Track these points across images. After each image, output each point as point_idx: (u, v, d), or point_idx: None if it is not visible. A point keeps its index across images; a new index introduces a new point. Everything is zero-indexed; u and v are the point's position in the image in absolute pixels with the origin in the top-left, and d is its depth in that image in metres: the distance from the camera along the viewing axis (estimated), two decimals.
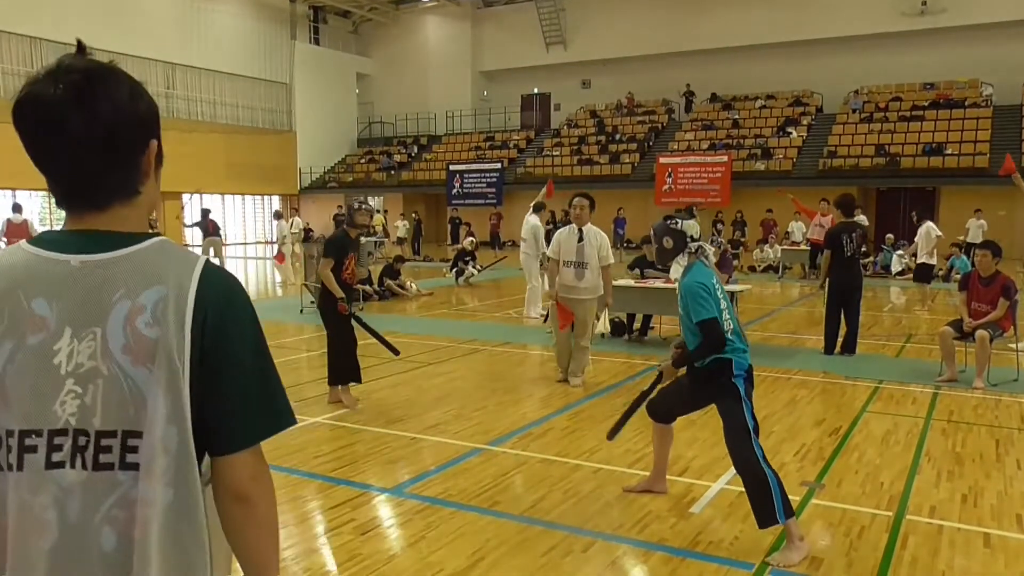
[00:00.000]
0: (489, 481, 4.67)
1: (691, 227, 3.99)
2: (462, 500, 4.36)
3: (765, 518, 3.65)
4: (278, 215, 19.16)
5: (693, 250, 3.97)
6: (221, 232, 19.85)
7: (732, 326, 3.86)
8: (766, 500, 3.63)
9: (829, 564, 3.57)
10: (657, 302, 8.94)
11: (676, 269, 4.00)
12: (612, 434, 4.44)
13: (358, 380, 6.42)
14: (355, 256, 6.44)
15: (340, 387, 6.38)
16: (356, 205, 6.54)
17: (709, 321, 3.73)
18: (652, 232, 4.19)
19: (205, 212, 19.42)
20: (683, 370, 4.07)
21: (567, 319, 7.08)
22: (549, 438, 5.56)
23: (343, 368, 6.33)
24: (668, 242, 4.02)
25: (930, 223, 12.76)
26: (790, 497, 4.35)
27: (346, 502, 4.37)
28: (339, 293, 6.14)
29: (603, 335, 8.74)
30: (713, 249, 3.98)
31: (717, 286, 3.91)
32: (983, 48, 26.90)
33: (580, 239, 6.97)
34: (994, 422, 5.98)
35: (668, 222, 4.09)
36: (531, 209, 11.28)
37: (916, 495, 4.43)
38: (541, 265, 10.65)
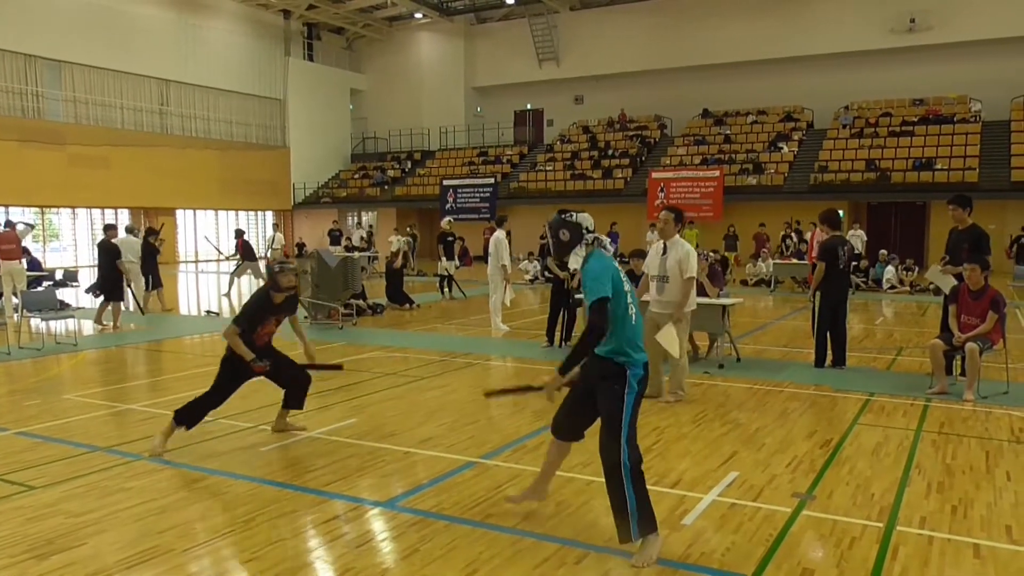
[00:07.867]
0: (482, 494, 4.68)
1: (586, 219, 4.00)
2: (455, 513, 4.37)
3: (621, 535, 3.73)
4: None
5: (590, 240, 3.96)
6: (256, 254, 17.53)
7: (635, 322, 3.85)
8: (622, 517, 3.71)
9: (820, 575, 3.59)
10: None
11: (575, 260, 3.97)
12: (491, 395, 4.97)
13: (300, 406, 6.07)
14: (278, 319, 5.90)
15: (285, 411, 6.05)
16: (277, 268, 5.82)
17: (599, 301, 3.70)
18: (547, 227, 4.08)
19: (239, 233, 17.91)
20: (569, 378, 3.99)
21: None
22: (542, 451, 5.52)
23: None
24: (564, 235, 3.98)
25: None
26: (781, 509, 4.39)
27: (339, 516, 4.37)
28: (249, 355, 5.62)
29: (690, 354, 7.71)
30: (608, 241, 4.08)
31: (622, 276, 3.90)
32: (971, 64, 27.22)
33: (664, 252, 7.06)
34: (984, 434, 6.02)
35: (563, 215, 4.05)
36: (496, 224, 12.29)
37: (907, 506, 4.46)
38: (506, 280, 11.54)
